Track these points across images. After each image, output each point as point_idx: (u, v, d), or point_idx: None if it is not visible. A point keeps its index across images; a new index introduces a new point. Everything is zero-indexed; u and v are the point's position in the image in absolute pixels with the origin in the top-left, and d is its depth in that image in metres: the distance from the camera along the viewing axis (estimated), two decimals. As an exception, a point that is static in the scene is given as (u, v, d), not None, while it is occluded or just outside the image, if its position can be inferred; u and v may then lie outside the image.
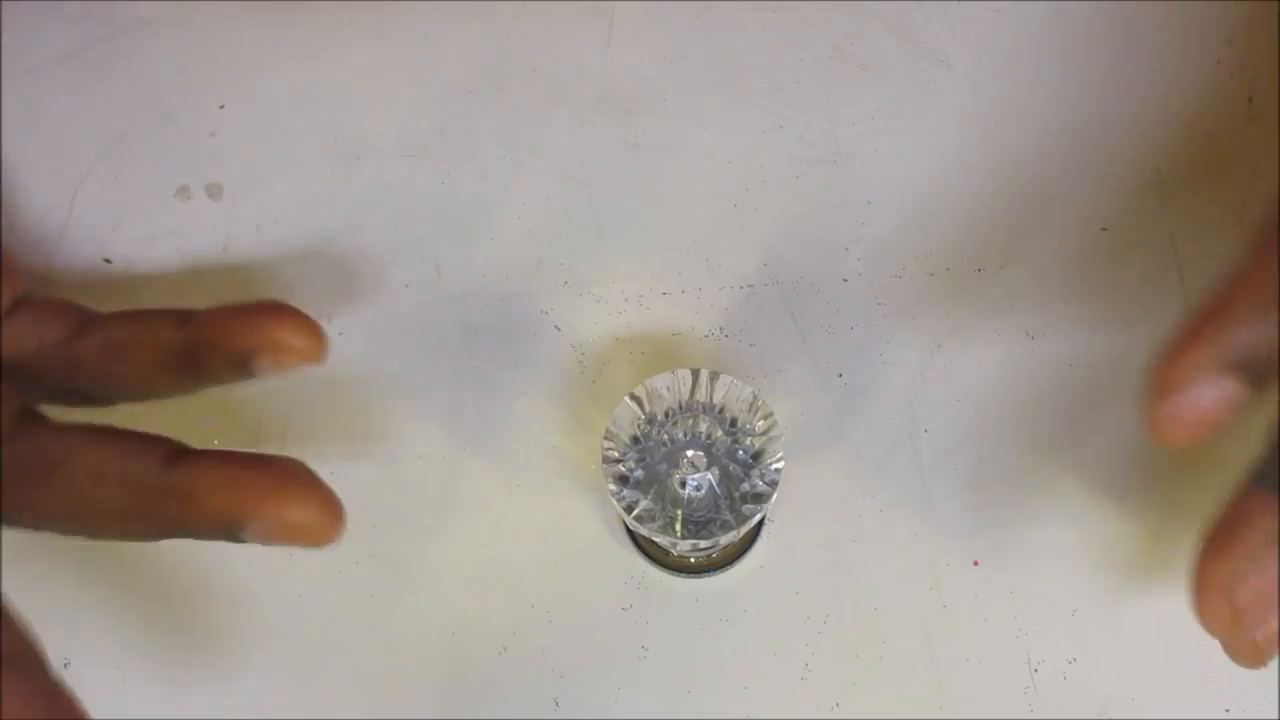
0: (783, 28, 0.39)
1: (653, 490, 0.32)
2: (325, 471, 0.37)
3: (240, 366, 0.30)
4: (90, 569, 0.35)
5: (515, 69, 0.39)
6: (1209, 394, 0.26)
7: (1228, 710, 0.34)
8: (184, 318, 0.30)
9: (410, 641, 0.35)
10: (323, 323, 0.29)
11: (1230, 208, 0.38)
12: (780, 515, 0.36)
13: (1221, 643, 0.27)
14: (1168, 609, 0.35)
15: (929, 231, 0.38)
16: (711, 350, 0.37)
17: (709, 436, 0.33)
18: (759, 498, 0.32)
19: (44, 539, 0.36)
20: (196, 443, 0.30)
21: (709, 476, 0.32)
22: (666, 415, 0.33)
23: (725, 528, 0.32)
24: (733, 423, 0.33)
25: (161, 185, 0.38)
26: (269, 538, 0.28)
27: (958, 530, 0.36)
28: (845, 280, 0.38)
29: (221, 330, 0.29)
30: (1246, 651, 0.26)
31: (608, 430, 0.33)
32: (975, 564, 0.36)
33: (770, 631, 0.36)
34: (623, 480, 0.33)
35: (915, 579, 0.35)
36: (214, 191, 0.38)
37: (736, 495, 0.32)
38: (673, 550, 0.35)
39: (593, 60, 0.39)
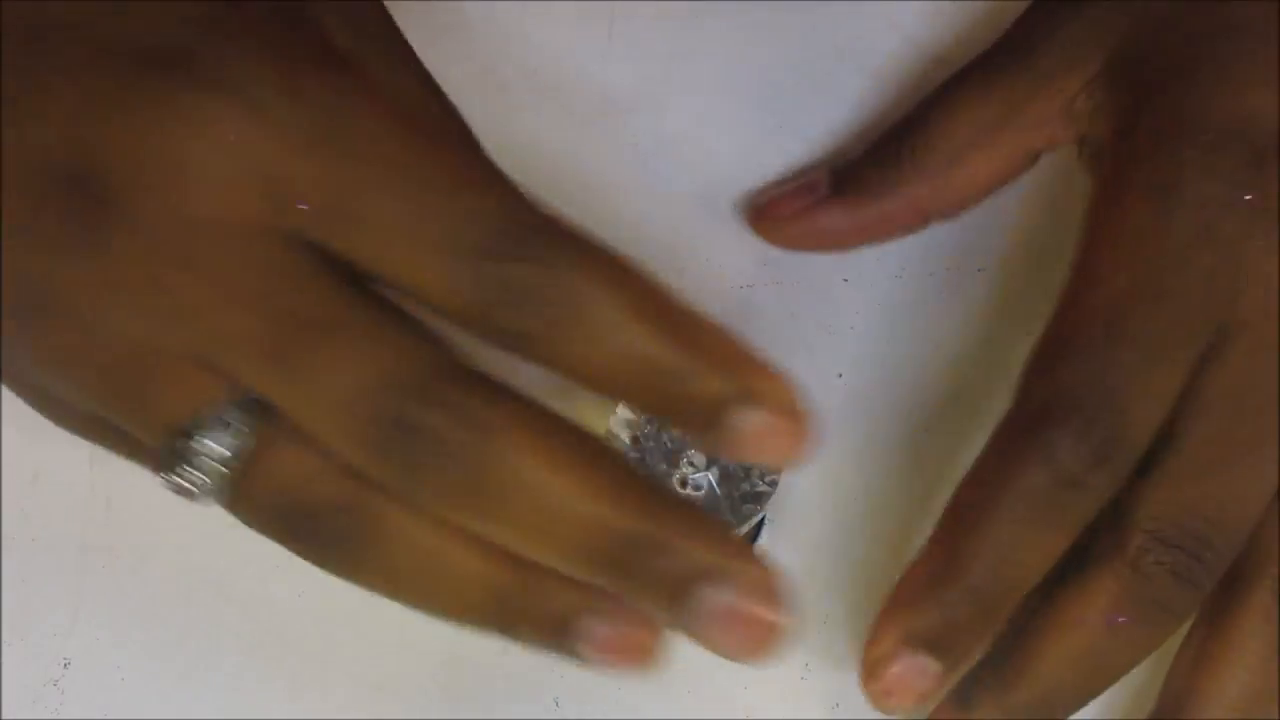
0: (783, 28, 0.39)
1: None
2: (325, 471, 0.37)
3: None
4: (90, 569, 0.35)
5: (515, 69, 0.39)
6: (905, 673, 0.30)
7: (1228, 710, 0.34)
8: None
9: (410, 641, 0.35)
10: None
11: (1230, 208, 0.38)
12: (780, 515, 0.36)
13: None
14: (1168, 609, 0.35)
15: (929, 231, 0.38)
16: (711, 350, 0.37)
17: None
18: (759, 497, 0.32)
19: (44, 538, 0.36)
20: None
21: (709, 476, 0.32)
22: None
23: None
24: None
25: (161, 185, 0.38)
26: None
27: (958, 530, 0.36)
28: (845, 280, 0.38)
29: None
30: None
31: (608, 430, 0.33)
32: (975, 564, 0.35)
33: (770, 631, 0.35)
34: None
35: (915, 579, 0.35)
36: (214, 191, 0.38)
37: (736, 495, 0.32)
38: None
39: (593, 60, 0.39)
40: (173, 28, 0.25)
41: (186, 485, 0.26)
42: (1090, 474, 0.30)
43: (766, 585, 0.25)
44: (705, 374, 0.25)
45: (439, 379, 0.24)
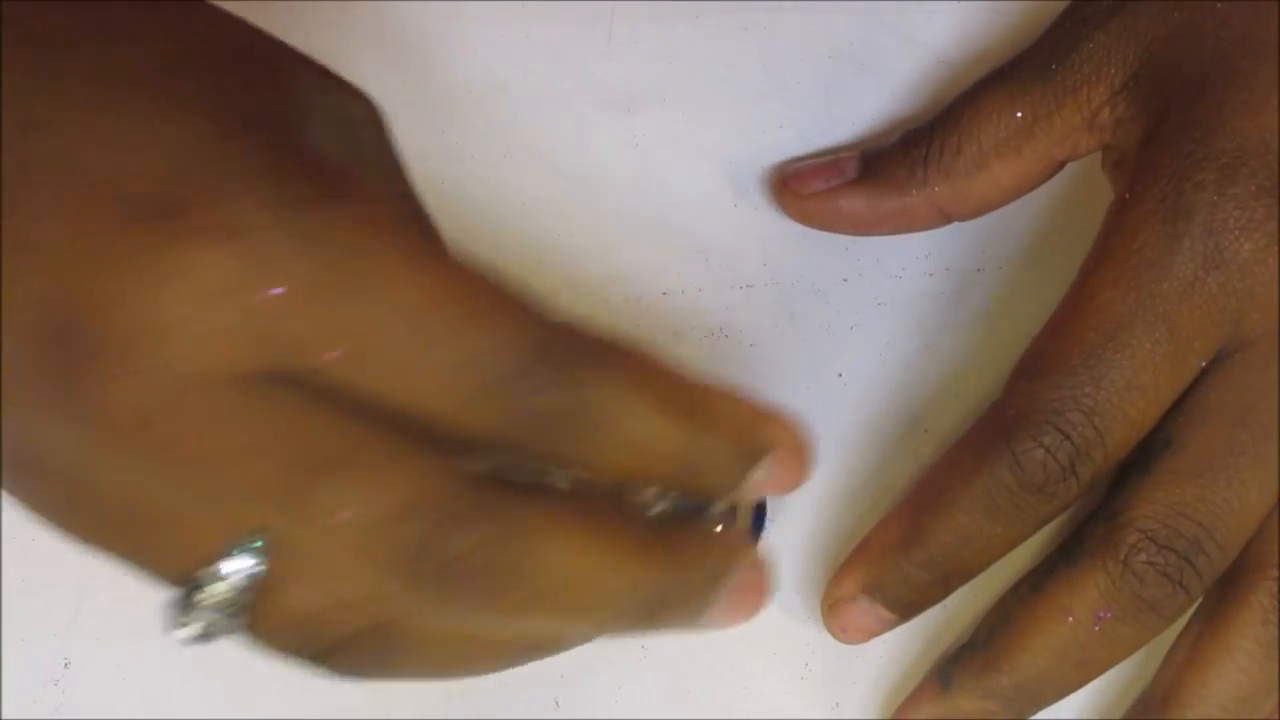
0: (783, 28, 0.39)
1: None
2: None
3: None
4: (90, 569, 0.35)
5: (515, 69, 0.39)
6: (862, 615, 0.33)
7: (1227, 710, 0.34)
8: None
9: (410, 641, 0.35)
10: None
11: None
12: (780, 515, 0.36)
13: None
14: (1167, 609, 0.35)
15: (929, 231, 0.38)
16: (711, 350, 0.37)
17: None
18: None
19: (44, 538, 0.36)
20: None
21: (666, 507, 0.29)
22: None
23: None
24: None
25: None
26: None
27: (958, 530, 0.36)
28: (845, 280, 0.38)
29: None
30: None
31: None
32: (975, 564, 0.36)
33: (770, 631, 0.36)
34: None
35: (915, 579, 0.35)
36: (214, 191, 0.38)
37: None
38: None
39: (593, 60, 0.39)
40: (165, 168, 0.23)
41: (198, 631, 0.25)
42: (1055, 485, 0.31)
43: (757, 562, 0.27)
44: (726, 446, 0.26)
45: (458, 498, 0.24)
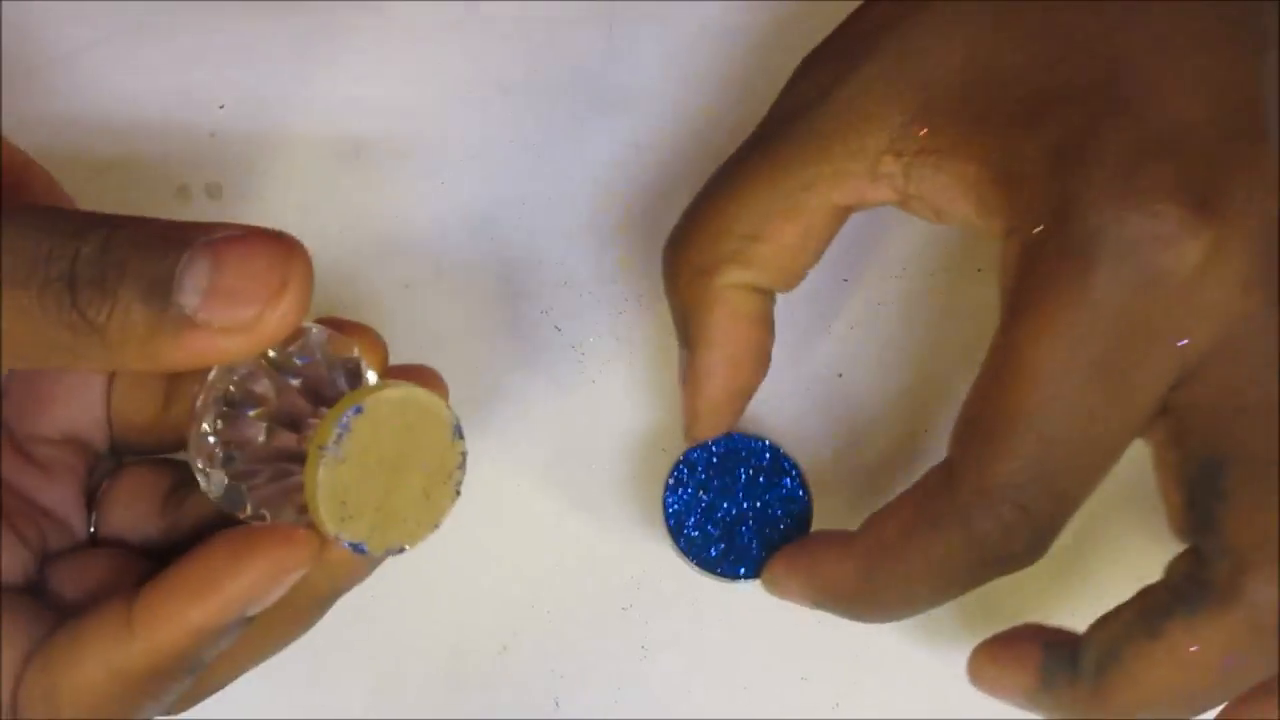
0: (782, 28, 0.39)
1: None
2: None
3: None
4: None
5: (515, 69, 0.39)
6: (799, 602, 0.33)
7: (1227, 710, 0.34)
8: None
9: (410, 641, 0.35)
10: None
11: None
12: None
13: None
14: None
15: (929, 231, 0.38)
16: (711, 350, 0.37)
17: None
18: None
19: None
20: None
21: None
22: None
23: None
24: None
25: (161, 185, 0.38)
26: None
27: (958, 530, 0.36)
28: (845, 280, 0.38)
29: None
30: None
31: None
32: (975, 564, 0.36)
33: (770, 631, 0.36)
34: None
35: (915, 579, 0.35)
36: (214, 191, 0.38)
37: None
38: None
39: (593, 60, 0.39)
40: None
41: None
42: (1025, 555, 0.29)
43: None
44: None
45: None
